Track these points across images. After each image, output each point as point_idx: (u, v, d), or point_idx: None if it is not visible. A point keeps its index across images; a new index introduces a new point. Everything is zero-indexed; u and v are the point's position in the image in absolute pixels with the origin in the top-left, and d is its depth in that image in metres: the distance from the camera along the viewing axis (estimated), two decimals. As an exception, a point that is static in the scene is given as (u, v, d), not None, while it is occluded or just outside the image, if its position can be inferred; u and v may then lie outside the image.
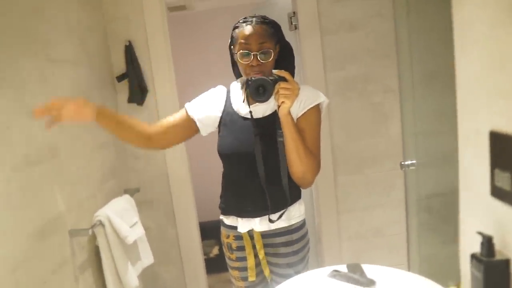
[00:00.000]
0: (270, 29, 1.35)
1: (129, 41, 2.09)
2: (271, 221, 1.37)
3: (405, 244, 2.29)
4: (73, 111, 1.28)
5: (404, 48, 2.03)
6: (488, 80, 0.76)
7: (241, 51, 1.32)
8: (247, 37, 1.31)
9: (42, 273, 1.32)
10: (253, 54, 1.31)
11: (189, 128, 1.46)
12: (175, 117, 1.48)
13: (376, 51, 2.10)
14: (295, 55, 1.48)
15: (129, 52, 2.08)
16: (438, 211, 1.99)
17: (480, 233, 0.77)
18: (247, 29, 1.32)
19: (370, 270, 0.93)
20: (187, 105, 1.50)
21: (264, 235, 1.42)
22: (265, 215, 1.37)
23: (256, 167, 1.34)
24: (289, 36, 2.15)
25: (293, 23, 2.15)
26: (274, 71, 1.31)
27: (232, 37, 1.39)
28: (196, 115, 1.46)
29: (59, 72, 1.57)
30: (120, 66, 2.12)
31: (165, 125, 1.46)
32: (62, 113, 1.26)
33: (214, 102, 1.47)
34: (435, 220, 2.03)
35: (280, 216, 1.37)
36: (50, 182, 1.44)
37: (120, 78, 2.11)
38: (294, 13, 2.13)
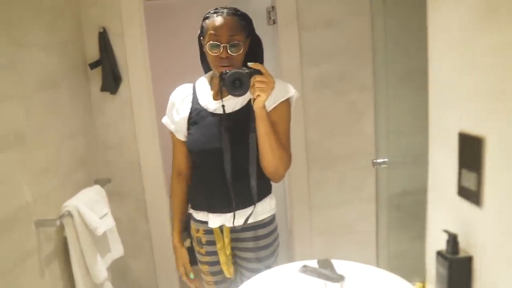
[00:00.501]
0: (241, 21, 1.33)
1: (104, 28, 2.03)
2: (235, 227, 1.38)
3: (375, 241, 2.34)
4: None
5: (379, 47, 2.06)
6: (458, 82, 0.77)
7: (210, 42, 1.29)
8: (217, 28, 1.29)
9: (5, 265, 1.28)
10: (222, 46, 1.29)
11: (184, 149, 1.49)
12: (175, 144, 1.51)
13: (353, 49, 2.12)
14: (271, 50, 1.48)
15: (103, 39, 2.03)
16: (408, 209, 2.04)
17: (446, 231, 0.80)
18: (218, 20, 1.30)
19: (339, 265, 0.94)
20: (163, 120, 1.52)
21: (233, 230, 1.41)
22: (231, 212, 1.37)
23: (223, 164, 1.33)
24: (266, 30, 2.16)
25: (271, 18, 2.14)
26: (249, 64, 1.29)
27: (202, 28, 1.36)
28: (171, 127, 1.48)
29: (26, 56, 1.51)
30: (93, 53, 2.06)
31: (184, 158, 1.51)
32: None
33: (179, 105, 1.45)
34: (404, 217, 2.08)
35: (246, 221, 1.37)
36: (15, 170, 1.38)
37: (93, 65, 2.05)
38: (272, 7, 2.12)
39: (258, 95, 1.24)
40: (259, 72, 1.25)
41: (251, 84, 1.24)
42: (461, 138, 0.78)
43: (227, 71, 1.26)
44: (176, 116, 1.45)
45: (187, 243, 3.27)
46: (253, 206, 1.36)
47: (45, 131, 1.61)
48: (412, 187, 1.93)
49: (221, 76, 1.28)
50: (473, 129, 0.74)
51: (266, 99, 1.26)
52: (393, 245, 2.25)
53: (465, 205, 0.78)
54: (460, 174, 0.79)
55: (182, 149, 1.47)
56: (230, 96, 1.29)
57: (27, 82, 1.51)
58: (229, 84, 1.25)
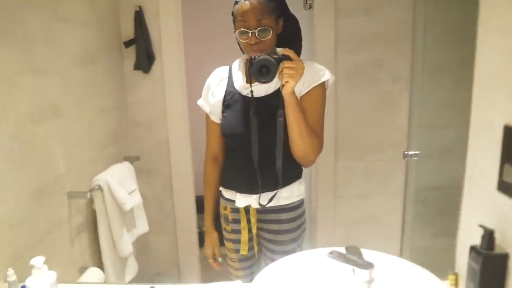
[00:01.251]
0: (269, 3, 1.29)
1: (140, 7, 2.05)
2: (261, 205, 1.38)
3: (398, 234, 2.31)
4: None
5: (418, 37, 2.00)
6: (509, 72, 0.74)
7: (240, 29, 1.28)
8: (244, 14, 1.26)
9: (39, 232, 1.33)
10: (251, 32, 1.27)
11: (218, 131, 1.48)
12: (209, 127, 1.51)
13: (390, 37, 2.07)
14: (307, 35, 1.45)
15: (139, 18, 2.05)
16: (434, 204, 2.00)
17: (482, 226, 0.77)
18: (245, 5, 1.27)
19: (368, 254, 0.94)
20: (199, 102, 1.51)
21: (261, 211, 1.42)
22: (257, 193, 1.37)
23: (251, 148, 1.33)
24: (302, 15, 2.12)
25: (308, 2, 2.10)
26: (278, 49, 1.27)
27: (232, 13, 1.35)
28: (206, 108, 1.48)
29: (66, 31, 1.55)
30: (128, 31, 2.09)
31: (219, 142, 1.50)
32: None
33: (215, 87, 1.45)
34: (430, 213, 2.04)
35: (270, 201, 1.37)
36: (52, 142, 1.43)
37: (127, 43, 2.08)
38: (309, -8, 2.09)
39: (286, 81, 1.22)
40: (288, 58, 1.23)
41: (280, 70, 1.23)
42: (506, 131, 0.75)
43: (256, 56, 1.24)
44: (212, 99, 1.45)
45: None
46: (277, 189, 1.37)
47: (80, 106, 1.65)
48: (440, 182, 1.89)
49: (250, 62, 1.27)
50: (520, 122, 0.71)
51: (295, 85, 1.24)
52: (416, 240, 2.21)
53: (505, 201, 0.75)
54: (502, 168, 0.76)
55: (217, 132, 1.47)
56: None
57: (66, 57, 1.55)
58: (256, 70, 1.23)
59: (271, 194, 1.38)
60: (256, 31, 1.26)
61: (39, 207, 1.33)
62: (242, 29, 1.27)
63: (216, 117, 1.46)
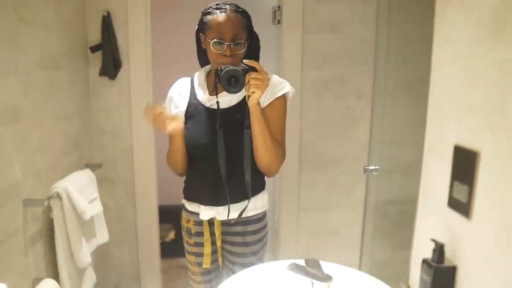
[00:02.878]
0: (243, 19, 1.33)
1: (108, 12, 2.02)
2: (229, 221, 1.38)
3: (359, 246, 2.36)
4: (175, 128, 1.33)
5: (381, 56, 2.08)
6: (460, 95, 0.79)
7: (214, 39, 1.29)
8: (221, 26, 1.29)
9: (-9, 241, 1.27)
10: (226, 44, 1.29)
11: None
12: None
13: (354, 55, 2.14)
14: (274, 50, 1.48)
15: (107, 24, 2.02)
16: (393, 218, 2.07)
17: (433, 240, 0.81)
18: (222, 17, 1.29)
19: (327, 266, 0.96)
20: None
21: (225, 223, 1.42)
22: (225, 205, 1.38)
23: (218, 159, 1.34)
24: (271, 30, 2.17)
25: (277, 17, 2.15)
26: (244, 60, 1.29)
27: (203, 23, 1.36)
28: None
29: (29, 33, 1.50)
30: (95, 36, 2.05)
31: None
32: (167, 125, 1.31)
33: (178, 98, 1.45)
34: (389, 226, 2.11)
35: (240, 215, 1.38)
36: (8, 147, 1.37)
37: (94, 49, 2.04)
38: (278, 7, 2.13)
39: (253, 92, 1.25)
40: (254, 69, 1.25)
41: (246, 81, 1.25)
42: (456, 150, 0.79)
43: (223, 67, 1.26)
44: (174, 110, 1.45)
45: (171, 234, 3.29)
46: (247, 200, 1.37)
47: (41, 110, 1.60)
48: (399, 197, 1.96)
49: (216, 73, 1.28)
50: (469, 143, 0.75)
51: (261, 96, 1.27)
52: (376, 253, 2.27)
53: (454, 216, 0.79)
54: (452, 185, 0.80)
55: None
56: (225, 92, 1.30)
57: (28, 60, 1.50)
58: (225, 81, 1.25)
59: (238, 206, 1.38)
60: (232, 43, 1.28)
61: (-8, 214, 1.27)
62: (218, 39, 1.29)
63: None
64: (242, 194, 1.37)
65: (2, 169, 1.34)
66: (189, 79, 1.48)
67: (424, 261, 0.83)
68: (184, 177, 1.52)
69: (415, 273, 0.92)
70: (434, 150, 0.89)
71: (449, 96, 0.83)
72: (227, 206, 1.37)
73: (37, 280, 1.49)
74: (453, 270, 0.79)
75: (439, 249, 0.80)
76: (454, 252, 0.79)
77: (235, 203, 1.38)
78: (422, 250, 0.91)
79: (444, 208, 0.83)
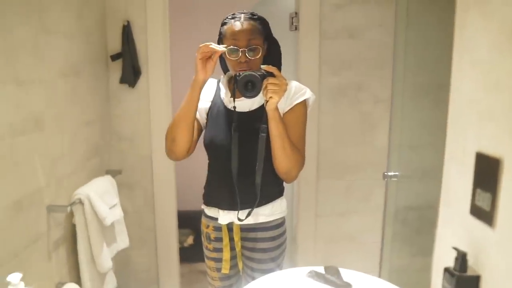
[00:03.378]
0: (258, 26, 1.35)
1: (128, 21, 2.06)
2: (239, 219, 1.39)
3: (378, 253, 2.33)
4: (211, 67, 1.29)
5: (399, 61, 2.07)
6: (480, 102, 0.78)
7: (229, 47, 1.31)
8: (235, 33, 1.31)
9: (15, 246, 1.31)
10: (241, 51, 1.31)
11: (196, 126, 1.44)
12: None
13: (372, 60, 2.13)
14: (291, 56, 1.49)
15: (127, 32, 2.06)
16: (412, 224, 2.04)
17: (455, 248, 0.80)
18: (236, 25, 1.32)
19: (346, 274, 0.95)
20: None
21: (244, 228, 1.43)
22: (236, 210, 1.38)
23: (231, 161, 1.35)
24: (288, 36, 2.17)
25: (294, 24, 2.15)
26: (262, 66, 1.30)
27: (220, 33, 1.39)
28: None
29: (52, 42, 1.55)
30: (115, 45, 2.10)
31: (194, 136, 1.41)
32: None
33: (204, 94, 1.46)
34: (409, 232, 2.08)
35: (248, 216, 1.38)
36: (32, 154, 1.41)
37: (114, 57, 2.08)
38: (296, 13, 2.14)
39: (270, 97, 1.26)
40: (272, 75, 1.27)
41: (264, 86, 1.26)
42: (478, 157, 0.78)
43: (241, 73, 1.28)
44: (200, 103, 1.43)
45: (190, 239, 3.31)
46: (257, 202, 1.38)
47: (63, 118, 1.64)
48: (418, 202, 1.93)
49: (235, 78, 1.30)
50: (491, 150, 0.74)
51: (278, 101, 1.27)
52: (395, 259, 2.24)
53: (477, 225, 0.78)
54: (474, 193, 0.79)
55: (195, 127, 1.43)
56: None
57: (51, 68, 1.54)
58: (242, 86, 1.27)
59: (249, 209, 1.39)
60: (246, 49, 1.30)
61: (16, 220, 1.31)
62: (233, 47, 1.30)
63: (198, 115, 1.43)
64: (254, 198, 1.37)
65: (26, 176, 1.38)
66: (216, 80, 1.50)
67: (446, 270, 0.81)
68: (204, 182, 1.53)
69: (437, 281, 0.91)
70: (455, 158, 0.88)
71: (469, 102, 0.82)
72: (246, 211, 1.38)
73: (60, 284, 1.53)
74: (476, 279, 0.78)
75: (461, 258, 0.79)
76: (478, 261, 0.78)
77: (247, 208, 1.38)
78: (443, 258, 0.90)
79: (466, 216, 0.82)
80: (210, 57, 1.28)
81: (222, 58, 1.44)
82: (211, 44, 1.27)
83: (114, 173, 2.06)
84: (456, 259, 0.80)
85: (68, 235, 1.67)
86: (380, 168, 2.16)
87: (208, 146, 1.42)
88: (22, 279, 0.91)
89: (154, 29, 2.09)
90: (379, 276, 2.27)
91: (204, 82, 1.32)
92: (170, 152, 1.40)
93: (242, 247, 1.46)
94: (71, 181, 1.69)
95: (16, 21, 1.31)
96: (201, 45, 1.27)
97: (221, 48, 1.29)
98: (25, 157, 1.37)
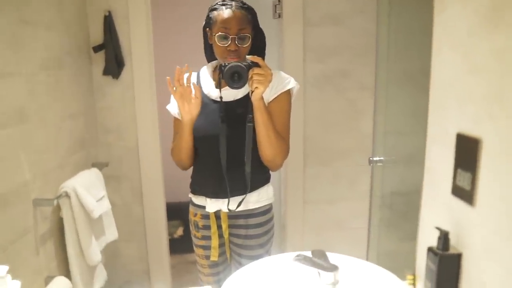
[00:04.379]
0: (248, 15, 1.36)
1: (109, 12, 2.03)
2: (229, 210, 1.40)
3: (365, 238, 2.37)
4: (195, 105, 1.34)
5: (382, 47, 2.08)
6: (460, 84, 0.80)
7: (219, 33, 1.32)
8: (226, 21, 1.31)
9: (2, 241, 1.29)
10: (231, 38, 1.31)
11: None
12: (177, 130, 1.49)
13: (356, 47, 2.14)
14: (275, 44, 1.49)
15: (108, 23, 2.03)
16: (399, 209, 2.08)
17: (438, 228, 0.82)
18: (227, 12, 1.32)
19: (333, 257, 0.97)
20: (168, 107, 1.51)
21: (231, 215, 1.44)
22: (225, 198, 1.40)
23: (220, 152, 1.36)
24: (271, 24, 2.17)
25: (277, 11, 2.15)
26: (248, 56, 1.31)
27: (209, 19, 1.38)
28: (176, 111, 1.47)
29: (32, 34, 1.52)
30: (97, 36, 2.07)
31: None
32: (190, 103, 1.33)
33: None
34: (395, 217, 2.12)
35: (238, 205, 1.40)
36: (16, 148, 1.39)
37: (96, 48, 2.05)
38: (279, 1, 2.13)
39: (256, 87, 1.27)
40: (257, 65, 1.27)
41: (249, 76, 1.26)
42: (458, 138, 0.80)
43: (226, 63, 1.28)
44: None
45: (180, 231, 3.32)
46: (244, 196, 1.39)
47: (46, 110, 1.62)
48: (404, 188, 1.96)
49: (220, 68, 1.30)
50: (471, 131, 0.76)
51: (264, 91, 1.29)
52: (382, 244, 2.28)
53: (458, 204, 0.80)
54: (455, 173, 0.81)
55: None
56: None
57: (32, 60, 1.51)
58: (228, 77, 1.27)
59: (239, 198, 1.40)
60: (236, 37, 1.30)
61: (3, 214, 1.30)
62: (222, 33, 1.31)
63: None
64: (243, 187, 1.39)
65: (11, 169, 1.36)
66: (195, 73, 1.50)
67: (430, 249, 0.84)
68: (191, 173, 1.53)
69: (421, 261, 0.93)
70: (437, 139, 0.90)
71: (450, 85, 0.83)
72: (233, 198, 1.39)
73: (49, 278, 1.52)
74: (458, 257, 0.80)
75: (444, 237, 0.81)
76: (459, 240, 0.80)
77: (235, 196, 1.40)
78: (427, 238, 0.92)
79: (448, 196, 0.84)
80: (190, 91, 1.32)
81: (207, 45, 1.43)
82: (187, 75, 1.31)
83: (100, 165, 2.04)
84: (439, 238, 0.82)
85: (56, 228, 1.65)
86: (366, 154, 2.18)
87: (197, 136, 1.43)
88: (9, 272, 0.90)
89: (136, 19, 2.06)
90: (367, 260, 2.31)
91: (193, 120, 1.36)
92: (180, 167, 1.50)
93: (230, 234, 1.48)
94: (57, 174, 1.68)
95: (-7, 12, 1.28)
96: (178, 76, 1.31)
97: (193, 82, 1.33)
98: (9, 150, 1.35)
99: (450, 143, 0.82)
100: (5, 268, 0.88)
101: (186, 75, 1.32)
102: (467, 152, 0.77)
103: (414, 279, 0.91)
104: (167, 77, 1.31)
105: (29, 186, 1.46)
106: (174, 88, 1.32)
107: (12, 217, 1.35)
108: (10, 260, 1.30)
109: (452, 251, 0.81)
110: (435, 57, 0.88)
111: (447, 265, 0.81)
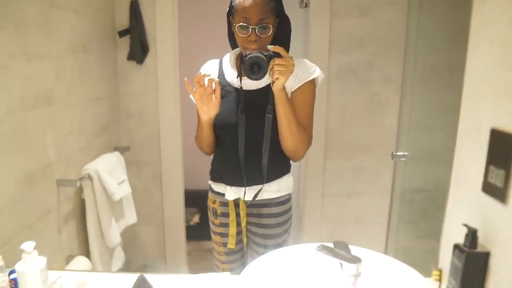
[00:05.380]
0: (270, 3, 1.31)
1: (135, -3, 2.04)
2: (245, 202, 1.40)
3: (382, 234, 2.34)
4: (214, 106, 1.32)
5: (411, 41, 2.03)
6: (496, 78, 0.77)
7: (240, 23, 1.29)
8: (247, 10, 1.28)
9: (27, 218, 1.33)
10: (251, 28, 1.28)
11: None
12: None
13: (383, 40, 2.09)
14: (301, 34, 1.46)
15: (134, 8, 2.04)
16: (419, 206, 2.04)
17: (466, 225, 0.80)
18: (248, 1, 1.29)
19: (355, 250, 0.96)
20: (191, 96, 1.49)
21: (250, 204, 1.44)
22: (243, 187, 1.39)
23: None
24: (298, 13, 2.14)
25: (304, 1, 2.12)
26: (269, 46, 1.28)
27: (232, 6, 1.36)
28: None
29: (61, 18, 1.54)
30: (123, 21, 2.08)
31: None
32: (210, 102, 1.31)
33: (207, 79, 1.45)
34: (415, 214, 2.08)
35: (255, 197, 1.39)
36: (43, 129, 1.42)
37: (122, 33, 2.07)
38: (306, -10, 2.10)
39: (277, 78, 1.24)
40: (278, 55, 1.25)
41: (270, 67, 1.24)
42: (493, 134, 0.77)
43: (247, 53, 1.26)
44: None
45: (196, 218, 3.35)
46: (263, 184, 1.39)
47: (72, 93, 1.64)
48: (426, 185, 1.93)
49: (241, 58, 1.29)
50: (506, 126, 0.74)
51: (285, 82, 1.26)
52: (400, 241, 2.26)
53: (489, 202, 0.78)
54: (487, 170, 0.79)
55: None
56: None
57: (60, 44, 1.54)
58: (247, 67, 1.25)
59: (257, 188, 1.39)
60: (257, 27, 1.28)
61: (28, 193, 1.33)
62: (243, 24, 1.29)
63: None
64: (260, 177, 1.38)
65: (37, 150, 1.39)
66: (218, 60, 1.48)
67: (456, 246, 0.82)
68: (210, 160, 1.54)
69: (446, 258, 0.91)
70: (469, 135, 0.87)
71: (486, 78, 0.81)
72: (253, 187, 1.39)
73: (70, 257, 1.56)
74: (486, 256, 0.78)
75: (471, 234, 0.79)
76: (488, 238, 0.78)
77: (253, 185, 1.39)
78: (453, 235, 0.90)
79: (478, 193, 0.82)
80: (210, 92, 1.30)
81: (231, 32, 1.42)
82: (210, 77, 1.28)
83: (122, 149, 2.07)
84: (466, 235, 0.80)
85: (78, 209, 1.69)
86: (388, 149, 2.14)
87: (217, 125, 1.42)
88: (34, 249, 0.93)
89: (162, 4, 2.06)
90: (384, 256, 2.29)
91: (211, 120, 1.35)
92: (203, 152, 1.50)
93: (248, 222, 1.48)
94: (80, 156, 1.71)
95: (24, -6, 1.30)
96: (197, 79, 1.28)
97: (216, 79, 1.31)
98: (36, 131, 1.38)
99: (483, 139, 0.80)
100: (32, 244, 0.90)
101: (206, 79, 1.30)
102: (501, 148, 0.75)
103: (440, 275, 0.89)
104: (185, 79, 1.30)
105: (54, 167, 1.49)
106: (194, 89, 1.31)
107: (37, 196, 1.39)
108: (34, 238, 1.32)
109: (480, 249, 0.79)
110: (471, 49, 0.85)
111: (473, 263, 0.79)
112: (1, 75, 1.19)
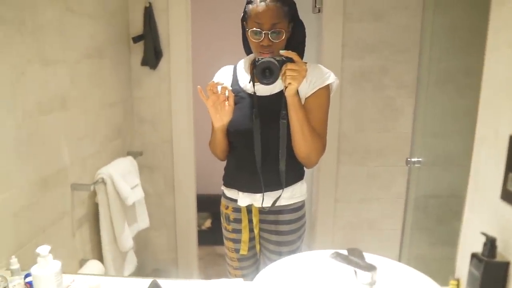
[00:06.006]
0: (284, 8, 1.31)
1: (150, 3, 2.06)
2: (263, 208, 1.39)
3: (396, 240, 2.31)
4: (227, 113, 1.33)
5: (425, 45, 2.01)
6: (516, 83, 0.75)
7: (253, 28, 1.29)
8: (260, 15, 1.28)
9: (42, 222, 1.34)
10: (264, 33, 1.28)
11: None
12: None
13: (397, 44, 2.08)
14: (314, 39, 1.45)
15: (148, 14, 2.06)
16: (433, 213, 2.01)
17: (484, 233, 0.78)
18: (261, 6, 1.28)
19: (369, 257, 0.94)
20: None
21: (262, 211, 1.43)
22: (260, 193, 1.38)
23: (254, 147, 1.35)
24: (311, 18, 2.14)
25: (317, 6, 2.11)
26: (282, 51, 1.27)
27: (245, 12, 1.36)
28: None
29: (77, 23, 1.56)
30: (137, 27, 2.10)
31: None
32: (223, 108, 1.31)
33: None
34: (430, 221, 2.05)
35: (274, 204, 1.38)
36: (58, 133, 1.44)
37: (136, 39, 2.09)
38: (319, -5, 2.10)
39: (289, 83, 1.24)
40: (291, 60, 1.24)
41: (282, 72, 1.24)
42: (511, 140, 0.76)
43: (260, 58, 1.26)
44: None
45: (208, 223, 3.35)
46: (281, 189, 1.38)
47: (87, 98, 1.66)
48: (440, 191, 1.90)
49: (254, 63, 1.29)
50: (526, 133, 0.72)
51: (297, 87, 1.25)
52: (414, 247, 2.22)
53: (508, 210, 0.76)
54: (506, 177, 0.77)
55: None
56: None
57: (76, 49, 1.56)
58: (259, 72, 1.25)
59: (273, 194, 1.39)
60: (269, 32, 1.28)
61: (43, 197, 1.34)
62: (256, 29, 1.29)
63: None
64: (277, 183, 1.37)
65: (52, 154, 1.41)
66: (232, 66, 1.49)
67: (474, 256, 0.80)
68: (223, 165, 1.54)
69: (463, 267, 0.89)
70: (486, 141, 0.85)
71: (505, 84, 0.79)
72: (267, 193, 1.38)
73: (84, 261, 1.57)
74: (506, 265, 0.76)
75: (490, 243, 0.77)
76: (507, 247, 0.76)
77: (269, 191, 1.39)
78: (470, 244, 0.88)
79: (496, 201, 0.80)
80: (223, 100, 1.30)
81: (245, 38, 1.42)
82: (223, 85, 1.28)
83: (135, 154, 2.09)
84: (485, 244, 0.78)
85: (91, 213, 1.70)
86: (402, 155, 2.12)
87: (231, 131, 1.42)
88: (49, 252, 0.93)
89: (176, 10, 2.08)
90: (398, 263, 2.26)
91: (224, 126, 1.36)
92: (217, 158, 1.51)
93: (261, 229, 1.47)
94: (94, 161, 1.72)
95: (41, 1, 1.32)
96: (210, 87, 1.28)
97: (229, 87, 1.31)
98: (51, 136, 1.39)
99: (502, 146, 0.78)
100: (48, 248, 0.91)
101: (219, 87, 1.30)
102: (521, 155, 0.73)
103: (458, 285, 0.87)
104: (198, 87, 1.31)
105: (68, 171, 1.51)
106: (207, 97, 1.31)
107: (52, 200, 1.40)
108: (49, 241, 1.34)
109: (499, 258, 0.77)
110: (489, 53, 0.84)
111: (492, 273, 0.77)
112: (18, 81, 1.21)
